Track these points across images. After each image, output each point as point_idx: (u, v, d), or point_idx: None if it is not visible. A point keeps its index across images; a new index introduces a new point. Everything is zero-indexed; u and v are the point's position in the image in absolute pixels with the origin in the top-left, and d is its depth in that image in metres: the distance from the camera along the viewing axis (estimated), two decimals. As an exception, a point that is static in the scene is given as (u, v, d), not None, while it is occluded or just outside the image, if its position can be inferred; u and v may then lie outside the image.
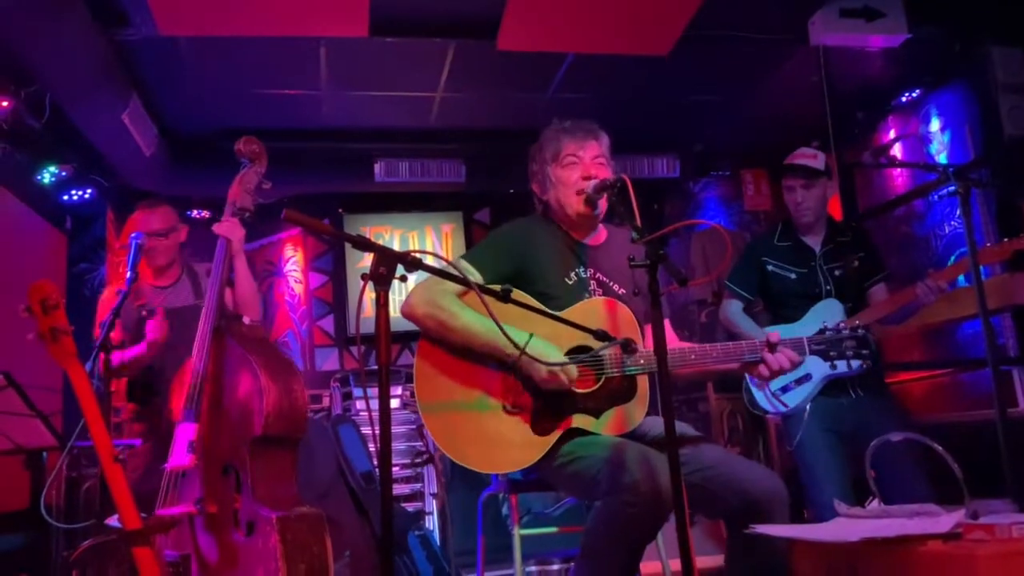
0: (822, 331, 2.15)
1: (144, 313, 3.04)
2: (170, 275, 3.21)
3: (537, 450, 2.06)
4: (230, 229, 2.73)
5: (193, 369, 2.47)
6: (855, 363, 2.13)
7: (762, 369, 2.07)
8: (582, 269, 2.26)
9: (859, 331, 2.12)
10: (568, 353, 2.10)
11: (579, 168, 2.24)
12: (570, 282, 2.23)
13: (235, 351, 2.47)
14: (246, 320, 2.79)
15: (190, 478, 2.42)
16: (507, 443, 2.07)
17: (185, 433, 2.39)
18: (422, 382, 2.14)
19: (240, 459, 2.35)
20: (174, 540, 2.38)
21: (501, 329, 1.75)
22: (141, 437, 3.04)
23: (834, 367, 2.18)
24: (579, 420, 2.09)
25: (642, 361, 2.08)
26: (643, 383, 2.14)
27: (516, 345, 1.83)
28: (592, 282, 2.25)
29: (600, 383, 2.10)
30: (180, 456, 2.36)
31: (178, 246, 3.24)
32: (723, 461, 2.06)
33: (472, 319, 2.09)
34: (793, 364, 2.07)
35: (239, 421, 2.40)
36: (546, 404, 2.09)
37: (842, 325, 2.16)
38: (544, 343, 2.04)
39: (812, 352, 2.12)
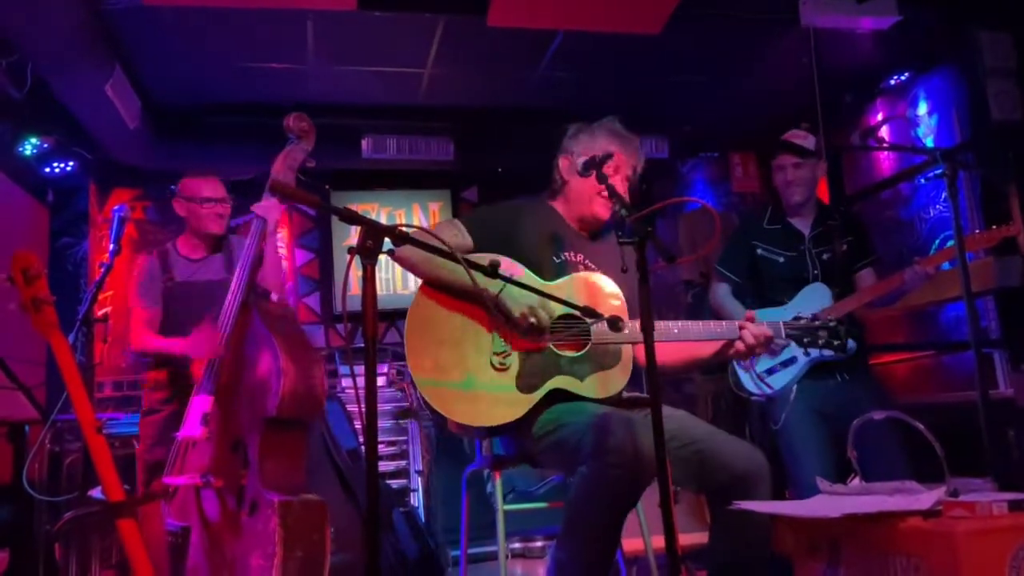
0: (797, 318, 2.25)
1: (168, 283, 3.04)
2: (204, 248, 3.19)
3: (521, 407, 2.09)
4: (268, 209, 2.72)
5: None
6: (827, 352, 2.24)
7: (738, 344, 2.15)
8: (571, 253, 2.32)
9: (831, 323, 2.23)
10: (558, 320, 2.16)
11: (617, 179, 2.28)
12: (557, 261, 2.29)
13: (259, 329, 2.43)
14: (274, 297, 2.75)
15: (200, 449, 2.40)
16: (492, 398, 2.09)
17: (200, 404, 2.38)
18: (414, 330, 2.13)
19: (251, 437, 2.32)
20: (177, 510, 2.37)
21: (468, 270, 1.72)
22: (159, 404, 3.02)
23: (808, 353, 2.30)
24: (563, 381, 2.13)
25: (627, 331, 2.13)
26: (627, 351, 2.22)
27: (490, 295, 1.91)
28: (580, 266, 2.30)
29: (586, 348, 2.16)
30: (192, 427, 2.35)
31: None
32: (709, 436, 2.12)
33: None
34: (767, 339, 2.15)
35: (255, 399, 2.36)
36: (532, 364, 2.13)
37: (820, 315, 2.27)
38: (524, 295, 2.06)
39: (787, 336, 2.22)
